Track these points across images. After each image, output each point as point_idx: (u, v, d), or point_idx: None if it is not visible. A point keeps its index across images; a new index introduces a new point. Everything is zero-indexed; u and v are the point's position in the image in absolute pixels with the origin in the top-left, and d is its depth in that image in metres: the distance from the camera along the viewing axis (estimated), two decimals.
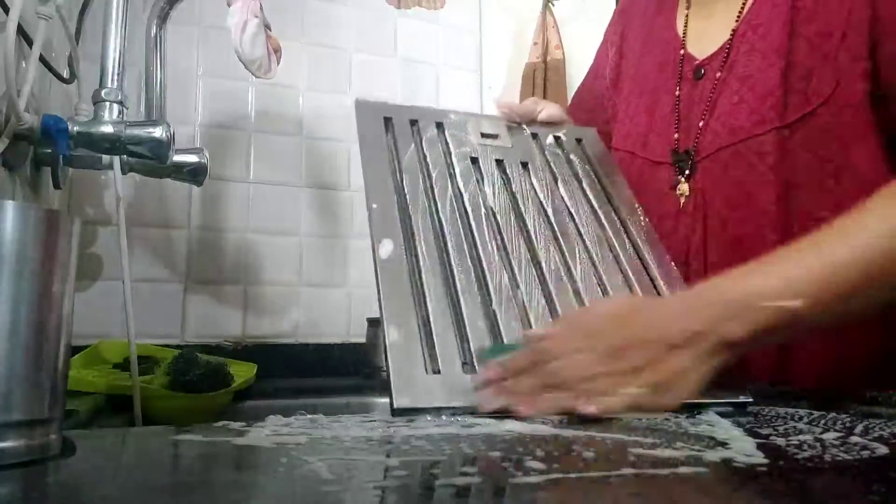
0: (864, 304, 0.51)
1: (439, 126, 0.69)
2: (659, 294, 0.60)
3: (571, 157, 0.72)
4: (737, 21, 0.71)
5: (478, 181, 0.64)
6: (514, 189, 0.65)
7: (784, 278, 0.49)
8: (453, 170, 0.64)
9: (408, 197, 0.59)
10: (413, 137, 0.66)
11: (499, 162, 0.67)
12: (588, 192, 0.69)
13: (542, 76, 1.45)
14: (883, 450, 0.36)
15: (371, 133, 0.64)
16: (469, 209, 0.61)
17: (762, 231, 0.65)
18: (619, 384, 0.46)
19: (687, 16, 0.78)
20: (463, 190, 0.62)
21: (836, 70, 0.62)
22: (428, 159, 0.64)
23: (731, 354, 0.49)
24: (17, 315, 0.30)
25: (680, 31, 0.78)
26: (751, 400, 0.52)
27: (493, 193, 0.63)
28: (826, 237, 0.51)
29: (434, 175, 0.63)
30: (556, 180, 0.68)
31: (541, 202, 0.65)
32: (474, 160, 0.66)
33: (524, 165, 0.68)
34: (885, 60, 0.61)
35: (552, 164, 0.70)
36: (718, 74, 0.71)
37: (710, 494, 0.29)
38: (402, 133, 0.66)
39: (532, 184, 0.67)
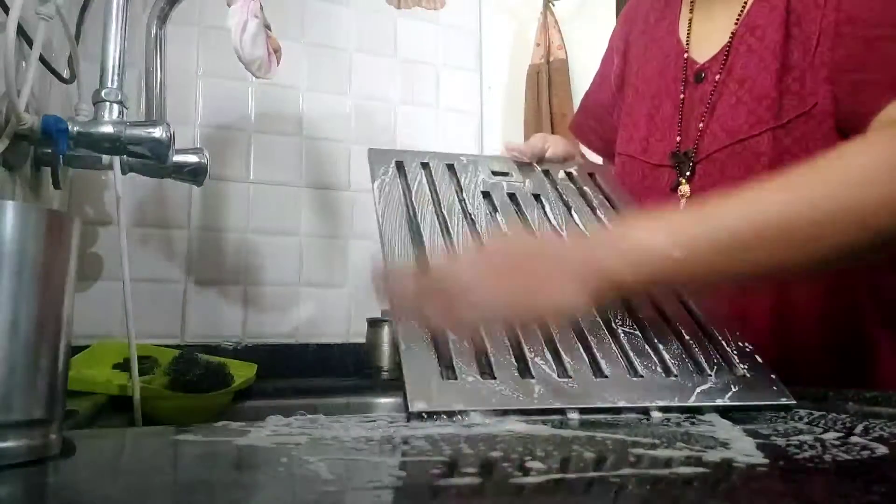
0: (748, 264, 0.53)
1: (450, 167, 0.70)
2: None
3: (585, 188, 0.73)
4: (736, 24, 0.71)
5: (490, 213, 0.65)
6: (527, 218, 0.65)
7: (671, 230, 0.52)
8: (465, 203, 0.65)
9: (421, 225, 0.60)
10: (426, 177, 0.68)
11: (511, 196, 0.68)
12: (603, 219, 0.69)
13: (546, 77, 1.45)
14: (883, 450, 0.36)
15: (384, 175, 0.66)
16: (482, 234, 0.61)
17: None
18: (487, 303, 0.49)
19: (691, 20, 0.78)
20: (475, 217, 0.63)
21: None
22: (439, 194, 0.65)
23: (616, 294, 0.54)
24: (17, 315, 0.30)
25: (683, 35, 0.79)
26: (794, 402, 0.52)
27: (507, 222, 0.64)
28: (724, 200, 0.53)
29: (447, 208, 0.64)
30: (569, 210, 0.69)
31: (555, 228, 0.65)
32: (486, 194, 0.67)
33: (536, 198, 0.69)
34: (836, 66, 0.62)
35: (564, 195, 0.71)
36: (718, 77, 0.71)
37: (710, 494, 0.29)
38: (415, 174, 0.68)
39: (546, 213, 0.67)
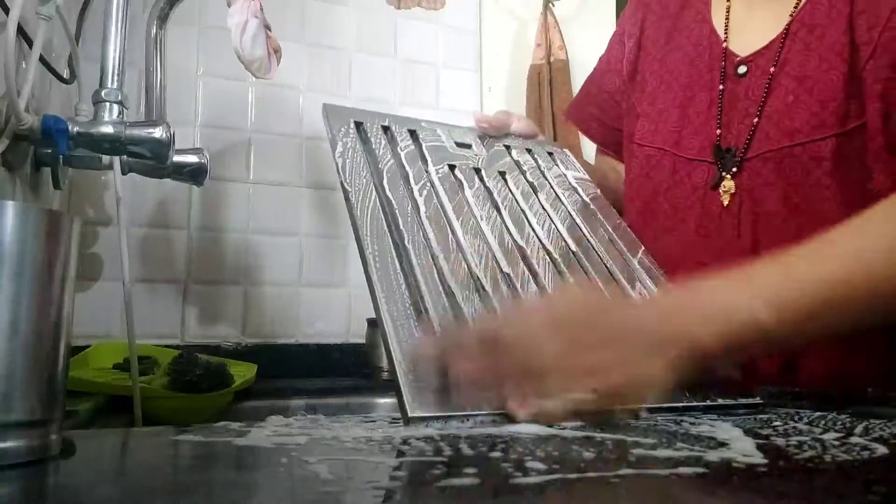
0: (834, 324, 0.51)
1: (413, 133, 0.69)
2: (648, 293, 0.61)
3: (545, 169, 0.74)
4: (790, 19, 0.69)
5: (459, 189, 0.64)
6: (495, 197, 0.66)
7: (756, 292, 0.49)
8: (432, 179, 0.64)
9: (395, 205, 0.58)
10: (389, 145, 0.66)
11: (477, 171, 0.68)
12: (565, 201, 0.70)
13: (547, 78, 1.45)
14: (883, 450, 0.36)
15: (345, 139, 0.63)
16: (453, 217, 0.60)
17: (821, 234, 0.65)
18: (569, 386, 0.44)
19: (728, 10, 0.76)
20: (445, 198, 0.62)
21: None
22: (407, 167, 0.64)
23: (702, 364, 0.48)
24: (17, 315, 0.30)
25: (718, 25, 0.76)
26: (761, 402, 0.52)
27: (477, 201, 0.64)
28: (800, 253, 0.51)
29: (416, 185, 0.62)
30: (535, 191, 0.69)
31: (521, 209, 0.66)
32: (452, 167, 0.67)
33: (502, 175, 0.69)
34: (889, 83, 0.62)
35: (527, 174, 0.71)
36: (771, 72, 0.69)
37: (710, 494, 0.29)
38: (378, 140, 0.65)
39: (511, 192, 0.68)
